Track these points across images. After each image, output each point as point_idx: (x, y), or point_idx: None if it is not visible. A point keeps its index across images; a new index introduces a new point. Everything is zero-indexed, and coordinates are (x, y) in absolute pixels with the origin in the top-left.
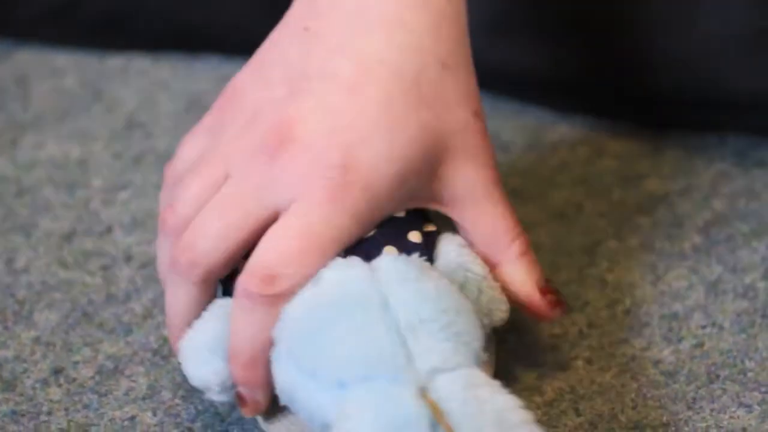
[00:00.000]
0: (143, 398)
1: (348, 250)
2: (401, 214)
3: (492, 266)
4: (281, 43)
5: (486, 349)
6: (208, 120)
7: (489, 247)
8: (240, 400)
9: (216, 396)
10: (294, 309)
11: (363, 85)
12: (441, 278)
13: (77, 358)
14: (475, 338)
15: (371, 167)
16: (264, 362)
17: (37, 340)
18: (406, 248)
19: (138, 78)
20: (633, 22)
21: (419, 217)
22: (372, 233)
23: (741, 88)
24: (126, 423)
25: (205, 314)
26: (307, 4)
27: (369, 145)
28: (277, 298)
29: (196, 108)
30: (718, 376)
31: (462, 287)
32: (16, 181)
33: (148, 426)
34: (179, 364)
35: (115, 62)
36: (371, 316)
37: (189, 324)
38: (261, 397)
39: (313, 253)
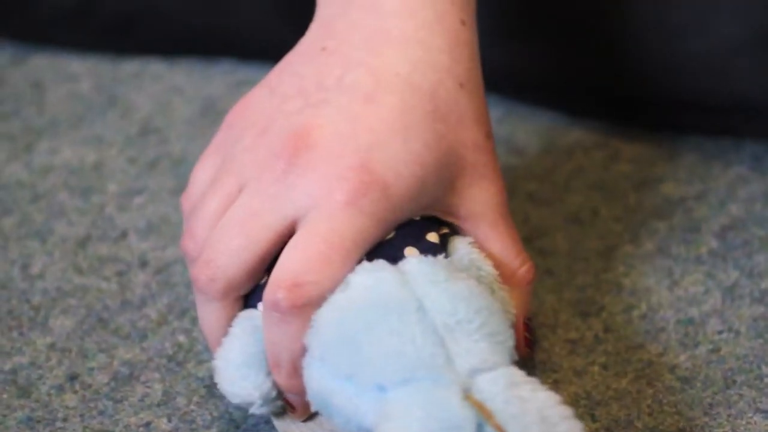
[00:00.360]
0: (158, 404)
1: (369, 254)
2: (416, 218)
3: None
4: (296, 62)
5: None
6: (218, 138)
7: (498, 267)
8: (290, 406)
9: (258, 409)
10: (325, 315)
11: (380, 94)
12: (468, 278)
13: (92, 364)
14: (508, 337)
15: (390, 168)
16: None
17: (52, 347)
18: (425, 249)
19: (153, 83)
20: (648, 26)
21: (433, 220)
22: (391, 236)
23: (757, 92)
24: (141, 429)
25: (233, 330)
26: (325, 27)
27: (387, 148)
28: (306, 306)
29: (211, 112)
30: (734, 382)
31: (477, 283)
32: (31, 186)
33: None
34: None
35: (130, 67)
36: (407, 318)
37: (219, 339)
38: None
39: (337, 257)
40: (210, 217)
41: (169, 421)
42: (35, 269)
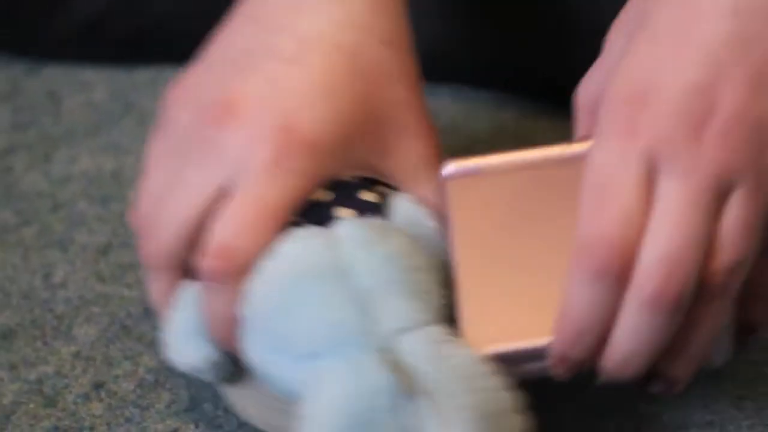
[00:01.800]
0: (185, 410)
1: (302, 215)
2: (350, 178)
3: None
4: (226, 33)
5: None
6: (160, 122)
7: (404, 176)
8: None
9: (208, 376)
10: (256, 285)
11: (302, 56)
12: (403, 236)
13: (118, 372)
14: (440, 295)
15: (313, 126)
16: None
17: (77, 355)
18: (360, 207)
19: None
20: None
21: (370, 180)
22: (326, 196)
23: None
24: None
25: (177, 301)
26: None
27: (310, 108)
28: (235, 273)
29: None
30: (762, 374)
31: (418, 242)
32: (51, 196)
33: None
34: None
35: (145, 74)
36: (333, 285)
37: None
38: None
39: (265, 220)
40: (151, 191)
41: (197, 427)
42: (57, 278)
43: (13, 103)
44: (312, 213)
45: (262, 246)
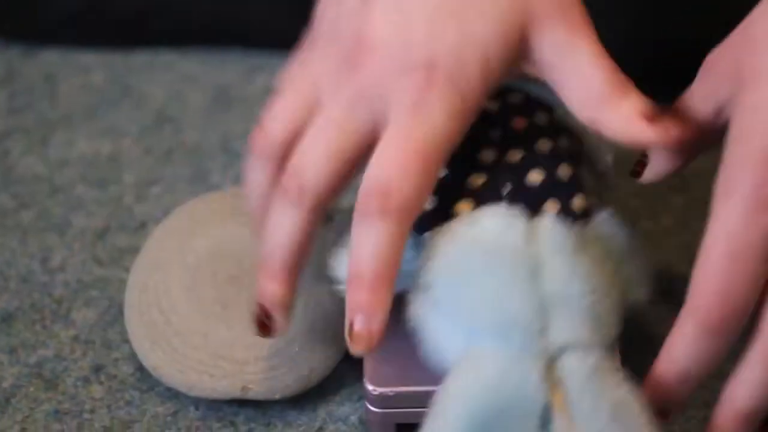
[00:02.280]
0: (185, 393)
1: (513, 194)
2: (566, 176)
3: (595, 123)
4: None
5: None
6: (300, 56)
7: (587, 103)
8: (352, 335)
9: None
10: (444, 245)
11: None
12: (598, 251)
13: (117, 355)
14: (615, 323)
15: (454, 58)
16: (388, 284)
17: (76, 339)
18: (567, 212)
19: (165, 72)
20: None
21: (576, 181)
22: (539, 177)
23: None
24: (169, 418)
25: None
26: None
27: (444, 36)
28: (395, 213)
29: (224, 100)
30: None
31: (604, 260)
32: (48, 179)
33: (191, 421)
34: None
35: (142, 57)
36: (521, 277)
37: (294, 253)
38: (377, 326)
39: (418, 161)
40: (285, 117)
41: (197, 409)
42: (55, 262)
43: (9, 86)
44: (522, 195)
45: (418, 188)
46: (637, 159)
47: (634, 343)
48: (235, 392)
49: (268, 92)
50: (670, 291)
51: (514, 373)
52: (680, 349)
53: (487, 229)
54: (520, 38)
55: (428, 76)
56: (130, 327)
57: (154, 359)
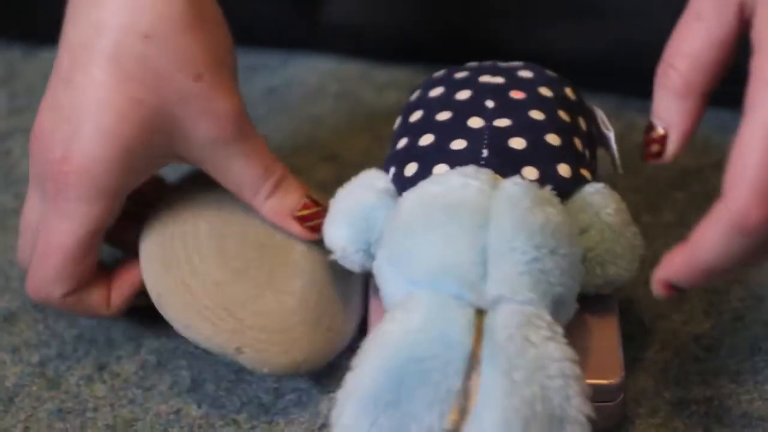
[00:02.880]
0: (187, 391)
1: (490, 161)
2: (555, 143)
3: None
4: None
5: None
6: None
7: (244, 196)
8: None
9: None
10: (405, 203)
11: (73, 73)
12: (559, 216)
13: (120, 353)
14: (562, 283)
15: (84, 155)
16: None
17: (79, 337)
18: (549, 177)
19: None
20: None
21: (568, 151)
22: (522, 145)
23: None
24: (171, 416)
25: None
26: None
27: (81, 134)
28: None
29: None
30: (760, 349)
31: (585, 230)
32: None
33: (193, 419)
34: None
35: None
36: (467, 229)
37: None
38: None
39: (63, 260)
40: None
41: (199, 407)
42: None
43: (10, 87)
44: (500, 158)
45: (59, 276)
46: (648, 137)
47: (637, 334)
48: (229, 349)
49: (268, 91)
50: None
51: (440, 321)
52: (708, 243)
53: (446, 186)
54: (163, 133)
55: (63, 170)
56: (144, 246)
57: (161, 286)
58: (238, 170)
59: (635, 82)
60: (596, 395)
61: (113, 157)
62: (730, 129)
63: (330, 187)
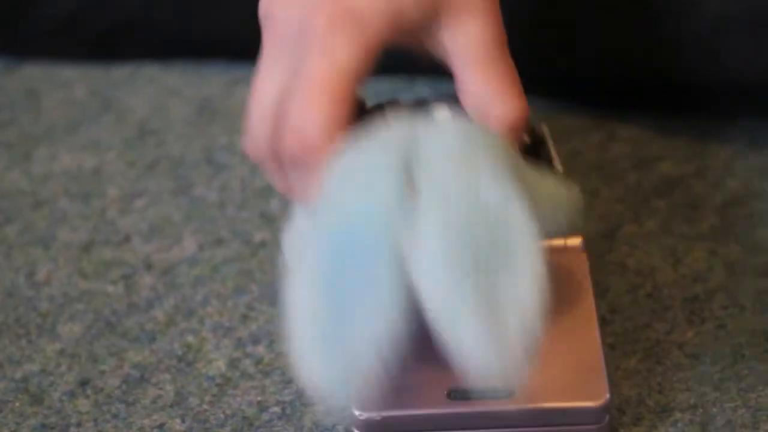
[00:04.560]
0: (171, 405)
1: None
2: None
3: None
4: None
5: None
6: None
7: (477, 108)
8: None
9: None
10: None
11: None
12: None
13: (103, 368)
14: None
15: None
16: None
17: (62, 353)
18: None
19: (147, 85)
20: (639, 7)
21: None
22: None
23: (749, 72)
24: (155, 431)
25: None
26: None
27: None
28: (308, 152)
29: (207, 112)
30: (743, 356)
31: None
32: (32, 194)
33: None
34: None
35: (123, 70)
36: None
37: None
38: None
39: (322, 94)
40: (264, 115)
41: (183, 421)
42: (40, 276)
43: None
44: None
45: (327, 119)
46: None
47: (620, 343)
48: None
49: None
50: (654, 293)
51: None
52: None
53: (378, 139)
54: (432, 12)
55: (333, 10)
56: None
57: None
58: (481, 81)
59: (615, 91)
60: (580, 418)
61: (388, 10)
62: (711, 136)
63: None
